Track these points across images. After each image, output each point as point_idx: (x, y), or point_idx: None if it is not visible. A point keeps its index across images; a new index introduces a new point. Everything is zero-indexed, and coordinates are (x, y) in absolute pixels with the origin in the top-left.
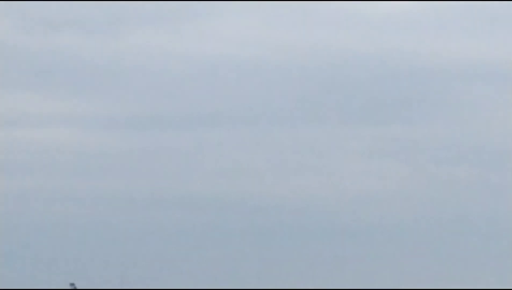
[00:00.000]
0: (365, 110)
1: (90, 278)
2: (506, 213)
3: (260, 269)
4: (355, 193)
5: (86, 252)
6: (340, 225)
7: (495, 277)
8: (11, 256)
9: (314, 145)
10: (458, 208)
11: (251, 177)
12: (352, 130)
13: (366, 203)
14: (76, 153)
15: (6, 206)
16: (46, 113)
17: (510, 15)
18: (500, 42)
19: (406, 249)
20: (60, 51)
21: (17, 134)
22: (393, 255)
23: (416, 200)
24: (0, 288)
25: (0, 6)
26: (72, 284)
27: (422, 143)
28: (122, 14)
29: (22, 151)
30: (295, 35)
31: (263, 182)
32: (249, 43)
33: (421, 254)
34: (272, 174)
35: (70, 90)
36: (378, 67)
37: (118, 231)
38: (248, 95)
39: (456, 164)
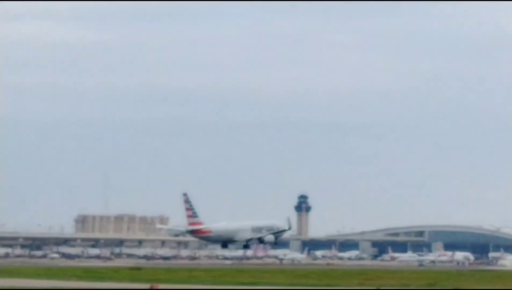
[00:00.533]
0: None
1: (77, 166)
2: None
3: (240, 160)
4: (345, 88)
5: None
6: (320, 119)
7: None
8: None
9: (300, 38)
10: (453, 102)
11: (236, 70)
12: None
13: (352, 98)
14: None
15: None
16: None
17: None
18: None
19: (399, 145)
20: None
21: None
22: (387, 150)
23: (408, 96)
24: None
25: None
26: (184, 195)
27: (413, 37)
28: None
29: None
30: None
31: (246, 74)
32: None
33: (415, 149)
34: (254, 67)
35: None
36: None
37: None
38: None
39: (448, 59)
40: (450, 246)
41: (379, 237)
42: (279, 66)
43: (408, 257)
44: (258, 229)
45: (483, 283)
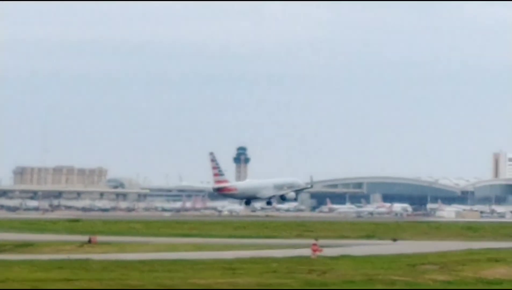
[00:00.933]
0: None
1: (15, 118)
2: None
3: (180, 112)
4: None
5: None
6: (265, 70)
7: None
8: None
9: None
10: (381, 55)
11: (164, 24)
12: None
13: (290, 48)
14: None
15: None
16: None
17: None
18: None
19: (337, 96)
20: None
21: None
22: (325, 100)
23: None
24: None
25: None
26: (211, 154)
27: None
28: None
29: None
30: None
31: (173, 27)
32: None
33: (352, 100)
34: (178, 20)
35: None
36: None
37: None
38: None
39: (383, 6)
40: (388, 197)
41: (318, 188)
42: (202, 18)
43: (347, 208)
44: (280, 187)
45: (420, 235)
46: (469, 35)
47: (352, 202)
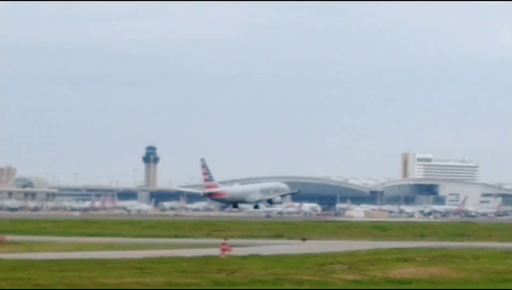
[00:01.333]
0: None
1: None
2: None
3: (87, 112)
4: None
5: None
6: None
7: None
8: None
9: None
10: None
11: (78, 21)
12: None
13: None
14: None
15: None
16: None
17: None
18: None
19: (247, 97)
20: None
21: None
22: (234, 101)
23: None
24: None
25: None
26: (202, 160)
27: None
28: None
29: None
30: None
31: (90, 25)
32: None
33: (265, 101)
34: (97, 19)
35: None
36: None
37: None
38: None
39: (300, 10)
40: (298, 197)
41: None
42: (114, 18)
43: None
44: (266, 191)
45: (329, 234)
46: (379, 35)
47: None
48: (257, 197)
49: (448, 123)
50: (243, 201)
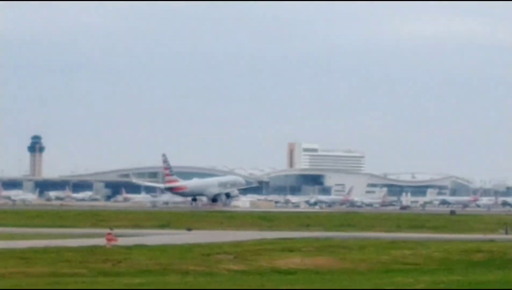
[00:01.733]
0: None
1: None
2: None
3: None
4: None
5: None
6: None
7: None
8: None
9: None
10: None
11: None
12: None
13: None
14: None
15: None
16: None
17: None
18: None
19: (137, 87)
20: None
21: None
22: (123, 91)
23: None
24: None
25: None
26: (163, 155)
27: None
28: None
29: None
30: None
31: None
32: None
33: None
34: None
35: None
36: None
37: None
38: None
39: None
40: None
41: (113, 177)
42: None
43: (142, 198)
44: (224, 184)
45: (215, 224)
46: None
47: (148, 192)
48: (215, 190)
49: (334, 114)
50: (202, 195)
